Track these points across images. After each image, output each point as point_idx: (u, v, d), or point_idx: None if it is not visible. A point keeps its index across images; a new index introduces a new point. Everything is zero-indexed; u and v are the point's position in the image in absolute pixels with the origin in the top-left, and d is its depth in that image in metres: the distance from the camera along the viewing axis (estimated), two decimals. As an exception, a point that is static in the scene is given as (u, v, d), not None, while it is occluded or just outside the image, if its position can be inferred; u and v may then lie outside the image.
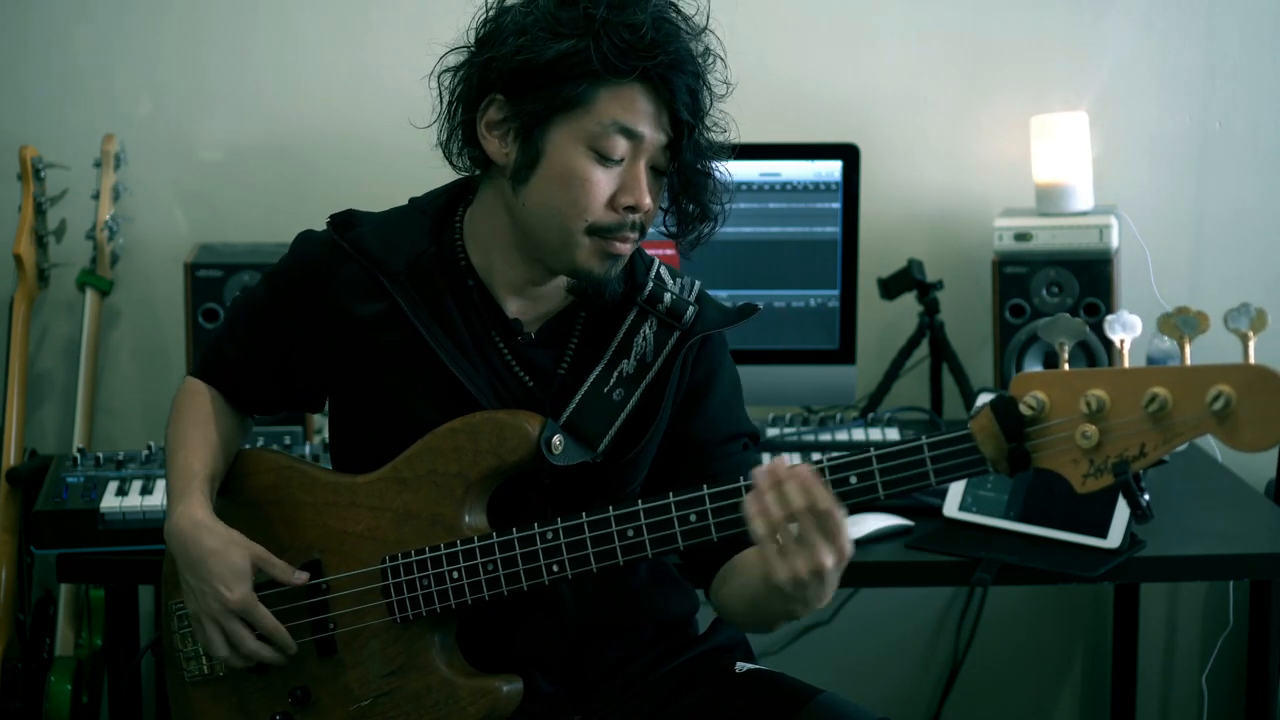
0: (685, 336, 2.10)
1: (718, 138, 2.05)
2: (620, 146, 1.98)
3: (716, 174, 2.06)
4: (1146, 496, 1.75)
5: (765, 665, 2.17)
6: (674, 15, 2.00)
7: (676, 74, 1.97)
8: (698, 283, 2.16)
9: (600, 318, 2.11)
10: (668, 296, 2.11)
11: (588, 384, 2.07)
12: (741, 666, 2.16)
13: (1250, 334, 1.76)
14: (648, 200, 2.00)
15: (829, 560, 1.81)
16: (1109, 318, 1.85)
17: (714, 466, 2.12)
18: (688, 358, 2.12)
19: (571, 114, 1.97)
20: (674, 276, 2.14)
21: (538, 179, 2.00)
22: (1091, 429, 1.74)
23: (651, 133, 1.99)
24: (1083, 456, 1.76)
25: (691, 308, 2.11)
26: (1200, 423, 1.69)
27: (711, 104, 2.02)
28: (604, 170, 1.98)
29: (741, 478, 1.91)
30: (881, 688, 3.43)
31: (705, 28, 2.03)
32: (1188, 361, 1.78)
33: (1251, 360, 1.73)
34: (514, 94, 1.99)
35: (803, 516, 1.80)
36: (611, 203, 1.99)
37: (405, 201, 2.17)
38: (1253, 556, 2.66)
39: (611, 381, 2.07)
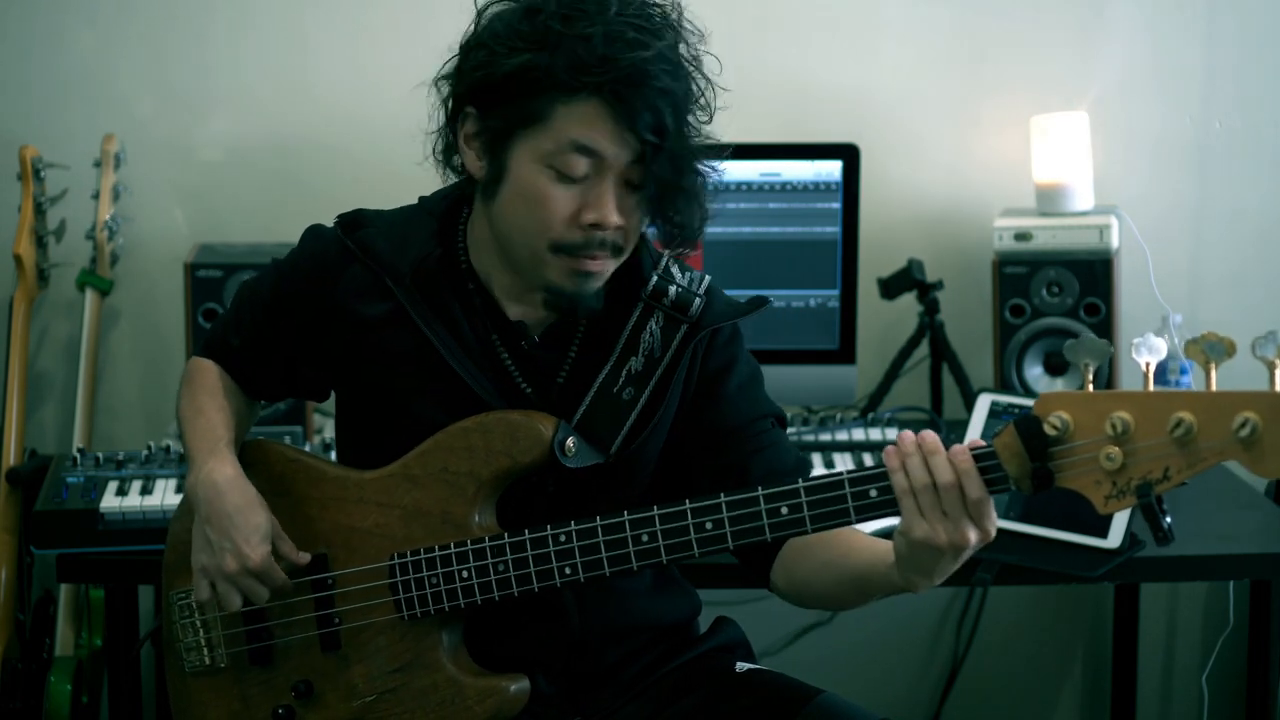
0: (693, 330, 2.08)
1: (698, 144, 1.97)
2: (580, 165, 1.93)
3: (696, 184, 1.98)
4: (1169, 519, 1.75)
5: (765, 665, 2.17)
6: (634, 25, 1.91)
7: (631, 89, 1.90)
8: (708, 276, 2.13)
9: (605, 315, 2.08)
10: (673, 290, 2.08)
11: (596, 385, 2.06)
12: (741, 666, 2.16)
13: (1277, 361, 1.76)
14: (613, 218, 1.95)
15: (973, 537, 1.81)
16: (1134, 340, 1.84)
17: (749, 445, 2.10)
18: (696, 351, 2.10)
19: (531, 130, 1.94)
20: (683, 270, 2.12)
21: (503, 195, 1.98)
22: (1116, 451, 1.74)
23: (614, 150, 1.93)
24: (1106, 478, 1.76)
25: (698, 300, 2.09)
26: (1225, 448, 1.69)
27: (685, 114, 1.95)
28: (564, 188, 1.94)
29: (760, 487, 1.91)
30: (881, 688, 3.43)
31: (677, 34, 1.94)
32: (1213, 386, 1.78)
33: (1278, 388, 1.73)
34: (481, 107, 1.97)
35: (948, 492, 1.80)
36: (576, 220, 1.95)
37: (405, 201, 2.17)
38: (1253, 556, 2.66)
39: (620, 381, 2.06)
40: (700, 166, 1.98)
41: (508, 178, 1.97)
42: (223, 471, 2.06)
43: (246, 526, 2.03)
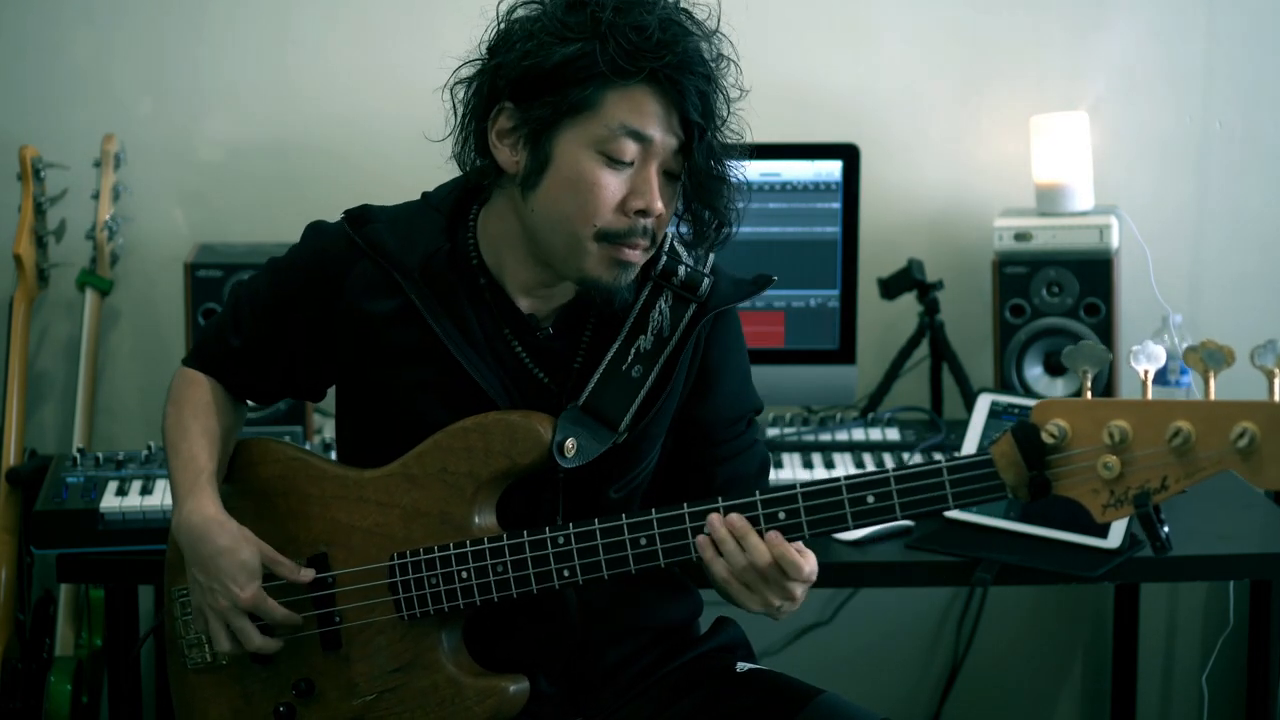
0: (702, 310, 2.09)
1: (732, 140, 2.02)
2: (629, 149, 1.95)
3: (731, 177, 2.02)
4: (1166, 529, 1.75)
5: (765, 665, 2.17)
6: (683, 17, 1.97)
7: (684, 74, 1.94)
8: (712, 254, 2.13)
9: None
10: (682, 270, 2.08)
11: (605, 362, 2.06)
12: (742, 666, 2.16)
13: (1276, 371, 1.76)
14: (659, 204, 1.97)
15: (798, 590, 1.95)
16: (1133, 348, 1.84)
17: (716, 451, 2.14)
18: (702, 334, 2.11)
19: (579, 118, 1.95)
20: (687, 248, 2.12)
21: (546, 184, 1.98)
22: (1113, 460, 1.74)
23: (661, 135, 1.96)
24: (1103, 486, 1.76)
25: (707, 279, 2.09)
26: (1223, 458, 1.69)
27: (726, 106, 2.00)
28: (613, 174, 1.96)
29: (758, 492, 1.93)
30: (881, 688, 3.43)
31: (717, 30, 2.00)
32: (1212, 395, 1.78)
33: (1277, 397, 1.73)
34: (522, 101, 1.97)
35: (770, 570, 1.92)
36: (622, 207, 1.96)
37: (405, 199, 2.17)
38: (1253, 556, 2.66)
39: (629, 359, 2.07)
40: (734, 160, 2.03)
41: (552, 166, 1.97)
42: (202, 513, 2.06)
43: (232, 566, 2.03)
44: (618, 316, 2.08)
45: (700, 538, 1.93)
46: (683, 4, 2.00)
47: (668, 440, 2.14)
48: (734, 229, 2.06)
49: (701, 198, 2.01)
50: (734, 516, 1.91)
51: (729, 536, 1.92)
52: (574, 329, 2.09)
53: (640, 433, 2.08)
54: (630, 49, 1.92)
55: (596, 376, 2.05)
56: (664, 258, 2.08)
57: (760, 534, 1.92)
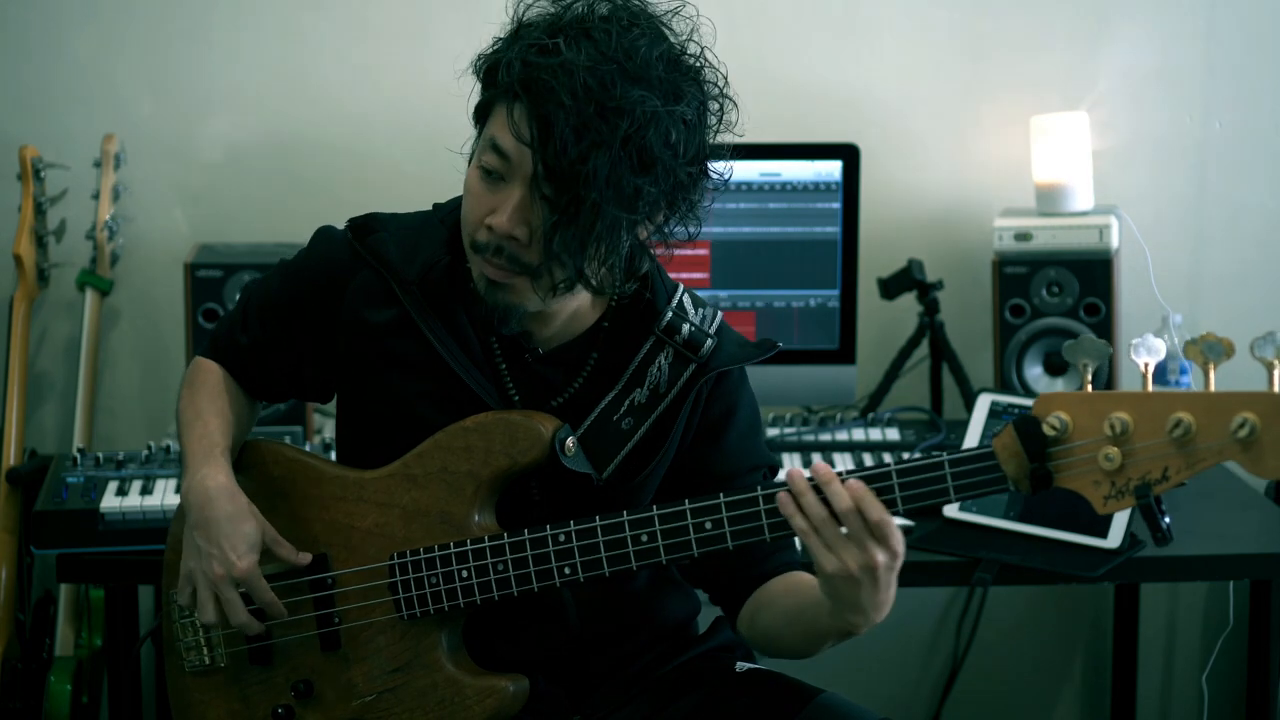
0: (700, 370, 2.07)
1: (622, 186, 1.86)
2: (492, 161, 1.93)
3: (593, 223, 1.88)
4: (1167, 519, 1.76)
5: (765, 665, 2.17)
6: (586, 37, 1.87)
7: (530, 94, 1.88)
8: (720, 314, 2.12)
9: (618, 345, 2.08)
10: (686, 328, 2.07)
11: (597, 411, 2.05)
12: (742, 666, 2.16)
13: (1276, 362, 1.76)
14: (501, 220, 1.92)
15: (880, 557, 1.83)
16: (1134, 341, 1.85)
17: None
18: (702, 392, 2.09)
19: (481, 129, 1.98)
20: (696, 306, 2.10)
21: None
22: (1114, 451, 1.75)
23: (517, 153, 1.91)
24: (1105, 478, 1.76)
25: (710, 340, 2.07)
26: (1224, 449, 1.69)
27: (596, 142, 1.84)
28: (486, 187, 1.95)
29: (759, 487, 1.91)
30: (881, 688, 3.43)
31: (670, 80, 1.88)
32: (1212, 387, 1.79)
33: (1277, 388, 1.74)
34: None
35: (850, 518, 1.83)
36: (484, 219, 1.95)
37: (405, 200, 2.17)
38: (1253, 556, 2.67)
39: (622, 410, 2.06)
40: (619, 216, 1.89)
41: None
42: (215, 479, 2.05)
43: (235, 535, 2.02)
44: (617, 363, 2.07)
45: (781, 494, 1.87)
46: (630, 39, 1.88)
47: (687, 495, 2.12)
48: (602, 282, 1.97)
49: (549, 233, 1.91)
50: (818, 464, 1.86)
51: (808, 488, 1.85)
52: (570, 367, 2.09)
53: (636, 486, 2.07)
54: (508, 63, 1.90)
55: (587, 423, 2.05)
56: (669, 313, 2.07)
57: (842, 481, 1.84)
